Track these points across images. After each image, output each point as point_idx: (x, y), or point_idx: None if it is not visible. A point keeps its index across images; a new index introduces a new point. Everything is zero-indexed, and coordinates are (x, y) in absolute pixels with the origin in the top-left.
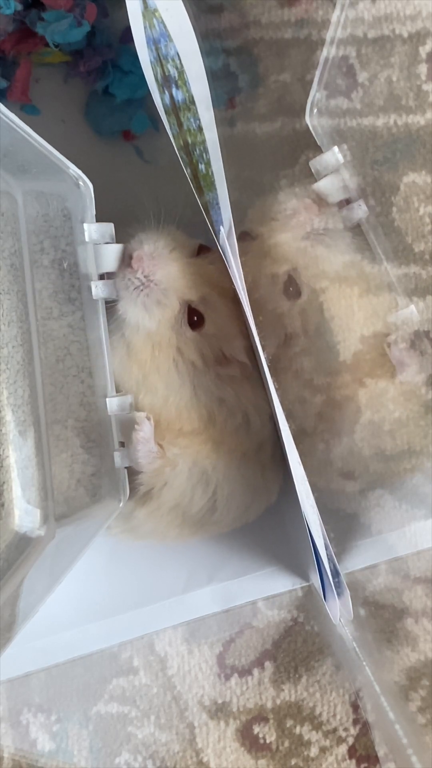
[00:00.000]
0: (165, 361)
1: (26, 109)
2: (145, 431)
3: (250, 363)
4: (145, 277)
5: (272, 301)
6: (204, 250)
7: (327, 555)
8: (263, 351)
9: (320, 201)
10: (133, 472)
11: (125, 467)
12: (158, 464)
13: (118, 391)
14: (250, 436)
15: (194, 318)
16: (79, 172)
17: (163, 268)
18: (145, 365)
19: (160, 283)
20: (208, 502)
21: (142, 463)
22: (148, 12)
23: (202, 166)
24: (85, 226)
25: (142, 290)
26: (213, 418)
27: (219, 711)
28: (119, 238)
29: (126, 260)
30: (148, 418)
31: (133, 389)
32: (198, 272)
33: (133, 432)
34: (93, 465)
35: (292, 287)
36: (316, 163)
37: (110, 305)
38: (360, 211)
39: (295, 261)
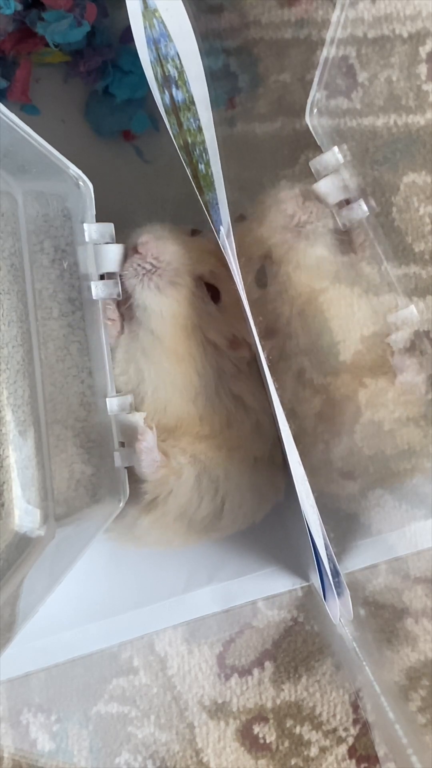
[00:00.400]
0: (197, 347)
1: (26, 109)
2: (148, 441)
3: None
4: (154, 258)
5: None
6: (196, 233)
7: (327, 555)
8: (263, 351)
9: (309, 195)
10: (137, 479)
11: (125, 467)
12: (162, 473)
13: (118, 391)
14: (262, 439)
15: (210, 292)
16: (79, 172)
17: (170, 247)
18: (182, 356)
19: (170, 263)
20: (214, 509)
21: (146, 473)
22: (148, 12)
23: (202, 166)
24: (85, 226)
25: (154, 273)
26: (231, 419)
27: (219, 711)
28: (119, 238)
29: (131, 251)
30: (150, 427)
31: (168, 392)
32: (199, 248)
33: (136, 442)
34: (93, 465)
35: (264, 275)
36: (316, 163)
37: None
38: (360, 211)
39: (271, 248)
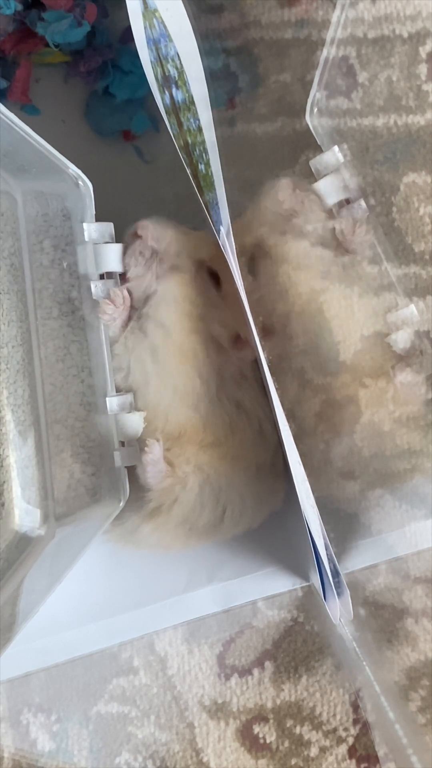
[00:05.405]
0: (201, 344)
1: (26, 109)
2: (154, 453)
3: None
4: (154, 240)
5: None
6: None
7: (327, 555)
8: (263, 351)
9: (302, 186)
10: (138, 486)
11: (125, 466)
12: (168, 483)
13: (118, 390)
14: (265, 446)
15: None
16: (79, 171)
17: (169, 231)
18: (186, 354)
19: (170, 245)
20: (215, 517)
21: (151, 483)
22: (148, 12)
23: (201, 166)
24: (85, 225)
25: (154, 260)
26: (234, 426)
27: (219, 711)
28: (119, 238)
29: (130, 237)
30: (157, 439)
31: (170, 396)
32: (199, 236)
33: (143, 454)
34: (93, 464)
35: (254, 263)
36: (317, 162)
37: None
38: (360, 210)
39: (262, 236)
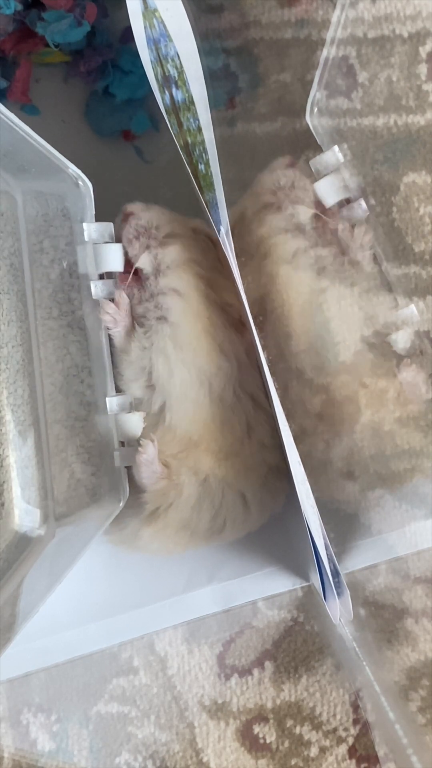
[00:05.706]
0: (214, 311)
1: (26, 109)
2: (148, 453)
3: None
4: (144, 212)
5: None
6: None
7: (327, 555)
8: (263, 351)
9: (297, 166)
10: (138, 489)
11: (125, 466)
12: (162, 485)
13: (118, 390)
14: (276, 446)
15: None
16: (79, 171)
17: (156, 208)
18: (206, 325)
19: (161, 216)
20: (213, 527)
21: (146, 483)
22: (148, 12)
23: (201, 166)
24: (85, 225)
25: (151, 231)
26: (251, 425)
27: (219, 711)
28: (119, 237)
29: (122, 221)
30: (152, 440)
31: (195, 387)
32: (187, 219)
33: (136, 454)
34: (93, 464)
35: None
36: (317, 162)
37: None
38: (360, 210)
39: (246, 207)
